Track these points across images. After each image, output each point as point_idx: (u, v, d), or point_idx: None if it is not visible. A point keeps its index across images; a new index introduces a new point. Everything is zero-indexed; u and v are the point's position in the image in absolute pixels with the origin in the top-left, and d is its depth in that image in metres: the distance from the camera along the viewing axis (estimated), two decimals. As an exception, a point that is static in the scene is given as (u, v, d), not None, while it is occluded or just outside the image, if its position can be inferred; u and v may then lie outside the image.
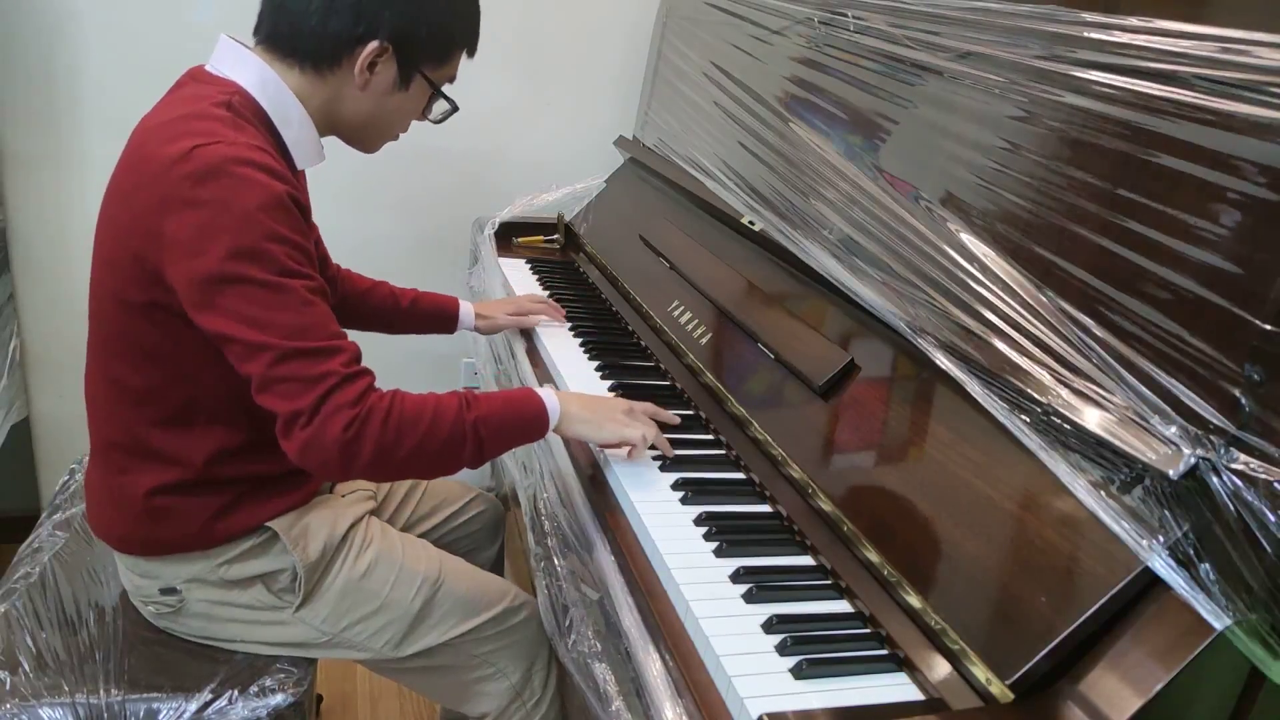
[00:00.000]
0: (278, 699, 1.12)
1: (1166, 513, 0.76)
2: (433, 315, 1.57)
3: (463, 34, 1.17)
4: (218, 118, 0.99)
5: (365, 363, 1.02)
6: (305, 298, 0.97)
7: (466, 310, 1.59)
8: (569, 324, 1.65)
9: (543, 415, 1.12)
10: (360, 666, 1.27)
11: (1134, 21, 0.87)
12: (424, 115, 1.21)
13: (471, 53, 1.20)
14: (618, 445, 1.17)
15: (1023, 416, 0.88)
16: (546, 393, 1.14)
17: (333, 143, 1.17)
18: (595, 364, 1.49)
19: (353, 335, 1.50)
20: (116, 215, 1.02)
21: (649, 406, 1.22)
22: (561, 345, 1.56)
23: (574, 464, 1.23)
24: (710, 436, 1.29)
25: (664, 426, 1.23)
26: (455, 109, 1.21)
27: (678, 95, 1.93)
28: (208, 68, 1.08)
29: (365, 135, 1.18)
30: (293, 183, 1.01)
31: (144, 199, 0.97)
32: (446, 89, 1.20)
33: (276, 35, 1.07)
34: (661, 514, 1.08)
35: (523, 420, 1.11)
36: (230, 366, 0.99)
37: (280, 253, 0.95)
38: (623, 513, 1.11)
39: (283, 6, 1.06)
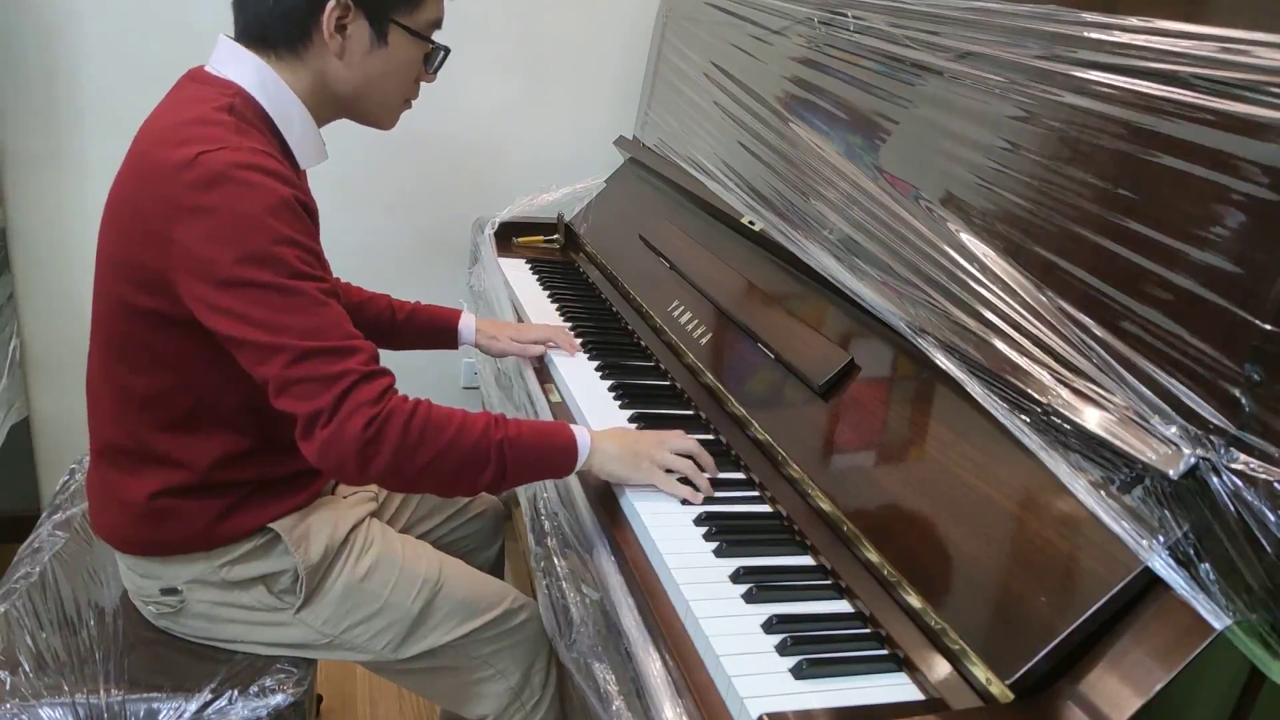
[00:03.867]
0: (278, 699, 1.12)
1: (1166, 513, 0.76)
2: (430, 329, 1.50)
3: None
4: (221, 123, 0.99)
5: None
6: (318, 299, 0.97)
7: (467, 323, 1.51)
8: (569, 323, 1.65)
9: (572, 448, 1.09)
10: (360, 666, 1.27)
11: (1134, 21, 0.87)
12: (427, 71, 1.16)
13: None
14: (651, 484, 1.12)
15: (1023, 416, 0.88)
16: (579, 429, 1.11)
17: (334, 141, 1.17)
18: (595, 364, 1.49)
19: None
20: (122, 220, 1.02)
21: (687, 444, 1.15)
22: (562, 345, 1.56)
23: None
24: (710, 436, 1.29)
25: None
26: (446, 51, 1.16)
27: (678, 95, 1.93)
28: (208, 68, 1.07)
29: (369, 108, 1.14)
30: (298, 186, 1.00)
31: (150, 206, 0.97)
32: (439, 38, 1.13)
33: (248, 30, 1.06)
34: (661, 514, 1.08)
35: (550, 450, 1.08)
36: (237, 371, 0.99)
37: (290, 255, 0.95)
38: (623, 513, 1.11)
39: (240, 0, 1.05)
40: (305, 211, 1.00)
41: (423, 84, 1.18)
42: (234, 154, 0.95)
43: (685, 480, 1.13)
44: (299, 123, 1.08)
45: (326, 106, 1.12)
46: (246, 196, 0.94)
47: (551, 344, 1.53)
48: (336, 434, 0.95)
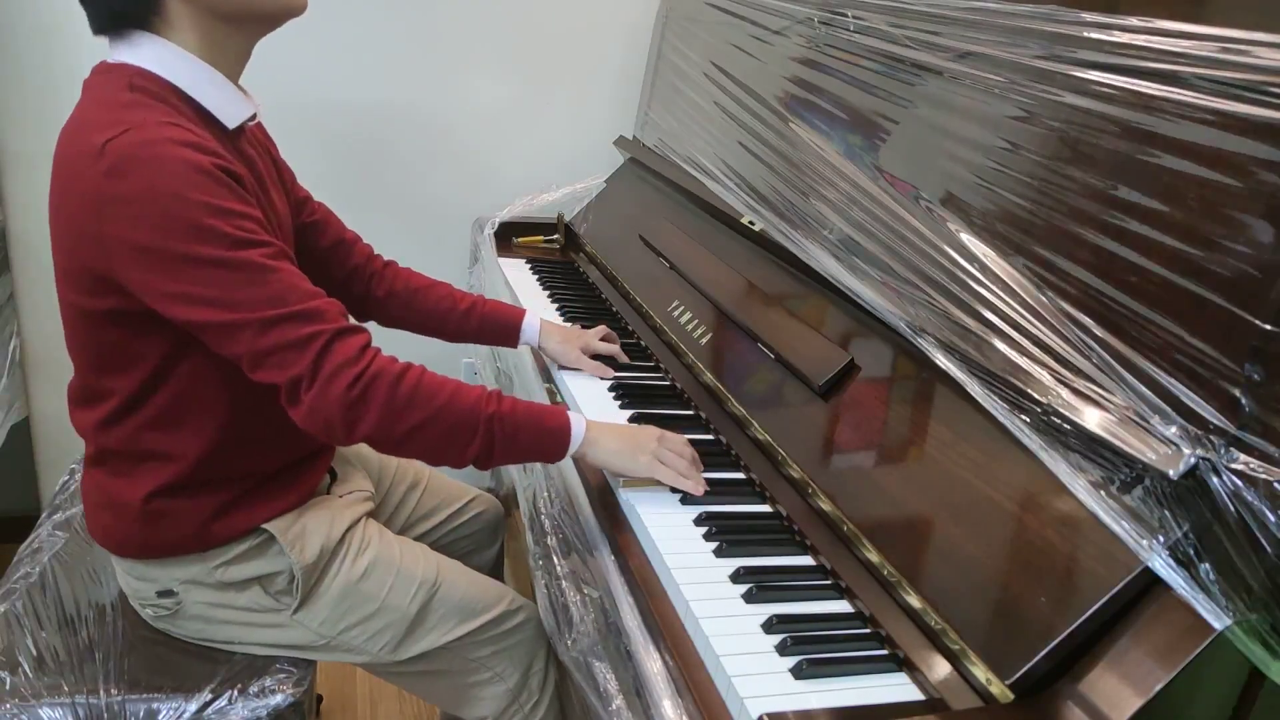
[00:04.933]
0: (277, 699, 1.12)
1: (1166, 513, 0.76)
2: (493, 323, 1.44)
3: None
4: (123, 104, 0.96)
5: None
6: (266, 265, 0.94)
7: (531, 323, 1.45)
8: (569, 324, 1.65)
9: (564, 432, 1.08)
10: (360, 667, 1.27)
11: (1134, 21, 0.87)
12: None
13: None
14: (650, 475, 1.12)
15: (1023, 416, 0.88)
16: (576, 416, 1.10)
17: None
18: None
19: (397, 336, 1.49)
20: (57, 228, 1.00)
21: (680, 441, 1.16)
22: (561, 345, 1.56)
23: (575, 465, 1.22)
24: (710, 436, 1.29)
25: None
26: None
27: (678, 95, 1.93)
28: (108, 59, 1.03)
29: (264, 2, 1.03)
30: (220, 153, 0.97)
31: (73, 206, 0.95)
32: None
33: (103, 24, 1.00)
34: (661, 514, 1.08)
35: (542, 432, 1.07)
36: (209, 357, 0.98)
37: (225, 226, 0.92)
38: (623, 513, 1.11)
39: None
40: (232, 177, 0.96)
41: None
42: (140, 132, 0.92)
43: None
44: (208, 83, 1.03)
45: (230, 39, 1.04)
46: (163, 174, 0.91)
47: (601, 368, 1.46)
48: (321, 396, 0.94)
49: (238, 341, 0.94)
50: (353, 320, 1.00)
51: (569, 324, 1.64)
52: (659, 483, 1.13)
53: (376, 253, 1.45)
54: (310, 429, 0.97)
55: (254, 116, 1.10)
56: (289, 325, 0.94)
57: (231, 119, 1.06)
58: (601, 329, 1.52)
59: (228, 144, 1.05)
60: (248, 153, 1.11)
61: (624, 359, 1.49)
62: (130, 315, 0.99)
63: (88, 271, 0.97)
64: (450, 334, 1.45)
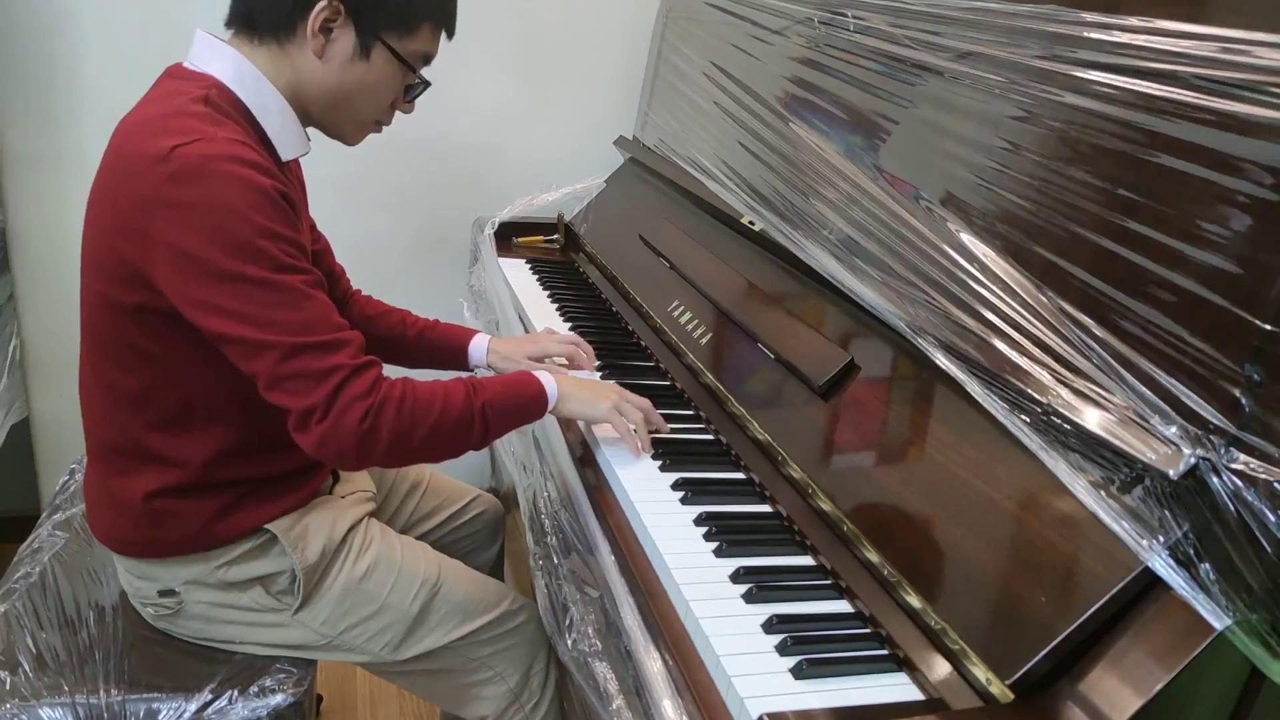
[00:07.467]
0: (278, 699, 1.12)
1: (1166, 513, 0.76)
2: (442, 348, 1.44)
3: (426, 2, 1.09)
4: (196, 114, 0.97)
5: None
6: (304, 292, 0.96)
7: (478, 345, 1.43)
8: (569, 323, 1.65)
9: (542, 396, 1.16)
10: (360, 667, 1.27)
11: (1134, 21, 0.87)
12: (405, 99, 1.15)
13: (448, 31, 1.13)
14: (608, 421, 1.21)
15: (1023, 416, 0.88)
16: (544, 376, 1.18)
17: (332, 141, 1.17)
18: (595, 364, 1.49)
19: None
20: (99, 217, 1.01)
21: (641, 401, 1.24)
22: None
23: (575, 464, 1.23)
24: (710, 436, 1.29)
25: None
26: (425, 85, 1.15)
27: (678, 95, 1.93)
28: (185, 64, 1.06)
29: (338, 119, 1.12)
30: (278, 177, 1.00)
31: (126, 200, 0.96)
32: (430, 78, 1.13)
33: (238, 13, 1.05)
34: (661, 514, 1.08)
35: (524, 400, 1.15)
36: (225, 366, 0.99)
37: (273, 249, 0.95)
38: (623, 513, 1.11)
39: None
40: (287, 202, 0.98)
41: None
42: (209, 146, 0.93)
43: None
44: (277, 113, 1.06)
45: (298, 105, 1.09)
46: (225, 190, 0.93)
47: (562, 361, 1.44)
48: (334, 428, 0.97)
49: (261, 360, 0.95)
50: (367, 355, 1.02)
51: (570, 329, 1.64)
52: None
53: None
54: (320, 457, 1.00)
55: (305, 154, 1.13)
56: (314, 354, 0.96)
57: (288, 150, 1.09)
58: (569, 335, 1.48)
59: (280, 169, 1.07)
60: (294, 178, 1.14)
61: (586, 365, 1.43)
62: (154, 313, 1.00)
63: (121, 264, 0.98)
64: (402, 358, 1.45)
